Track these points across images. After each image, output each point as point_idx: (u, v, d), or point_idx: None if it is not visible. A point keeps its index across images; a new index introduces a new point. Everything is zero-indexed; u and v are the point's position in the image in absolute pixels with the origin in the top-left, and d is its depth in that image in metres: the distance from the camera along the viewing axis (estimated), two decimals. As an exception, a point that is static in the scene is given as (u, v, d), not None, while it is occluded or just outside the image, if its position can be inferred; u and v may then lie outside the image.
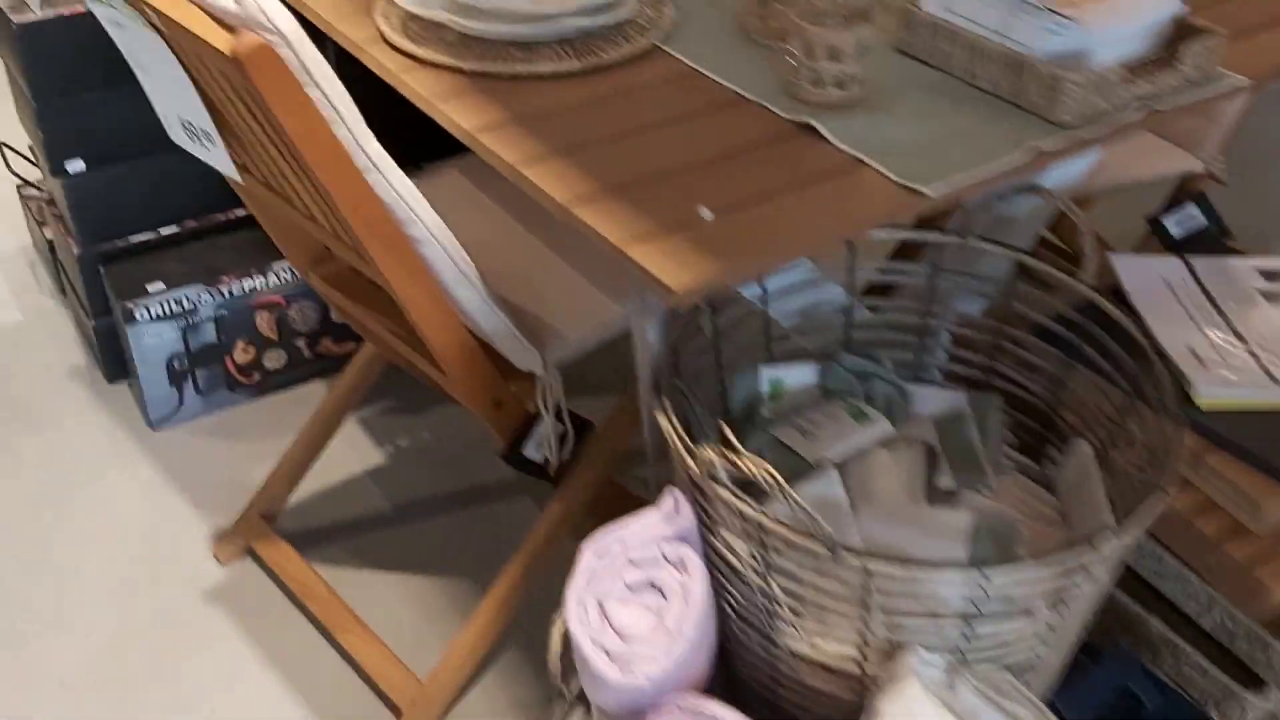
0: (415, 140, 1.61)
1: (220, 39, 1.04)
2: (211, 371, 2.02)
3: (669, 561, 0.99)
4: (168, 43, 1.23)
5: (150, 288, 1.93)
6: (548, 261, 1.52)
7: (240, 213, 2.08)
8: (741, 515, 0.95)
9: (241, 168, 1.37)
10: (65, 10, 1.82)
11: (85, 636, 1.70)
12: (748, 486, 1.00)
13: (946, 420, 1.25)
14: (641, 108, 1.24)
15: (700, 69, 1.31)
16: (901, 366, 1.36)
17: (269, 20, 1.03)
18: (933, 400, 1.29)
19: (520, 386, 1.44)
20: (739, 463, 0.90)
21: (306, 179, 1.22)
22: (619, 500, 1.75)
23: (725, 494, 0.97)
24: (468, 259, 1.29)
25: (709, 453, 0.94)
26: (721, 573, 1.03)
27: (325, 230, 1.34)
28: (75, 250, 1.99)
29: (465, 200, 1.64)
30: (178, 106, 1.35)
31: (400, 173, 1.19)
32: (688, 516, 1.01)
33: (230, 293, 1.97)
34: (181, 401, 2.02)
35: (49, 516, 1.87)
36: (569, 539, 1.49)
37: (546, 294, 1.47)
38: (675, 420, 1.02)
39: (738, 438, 1.08)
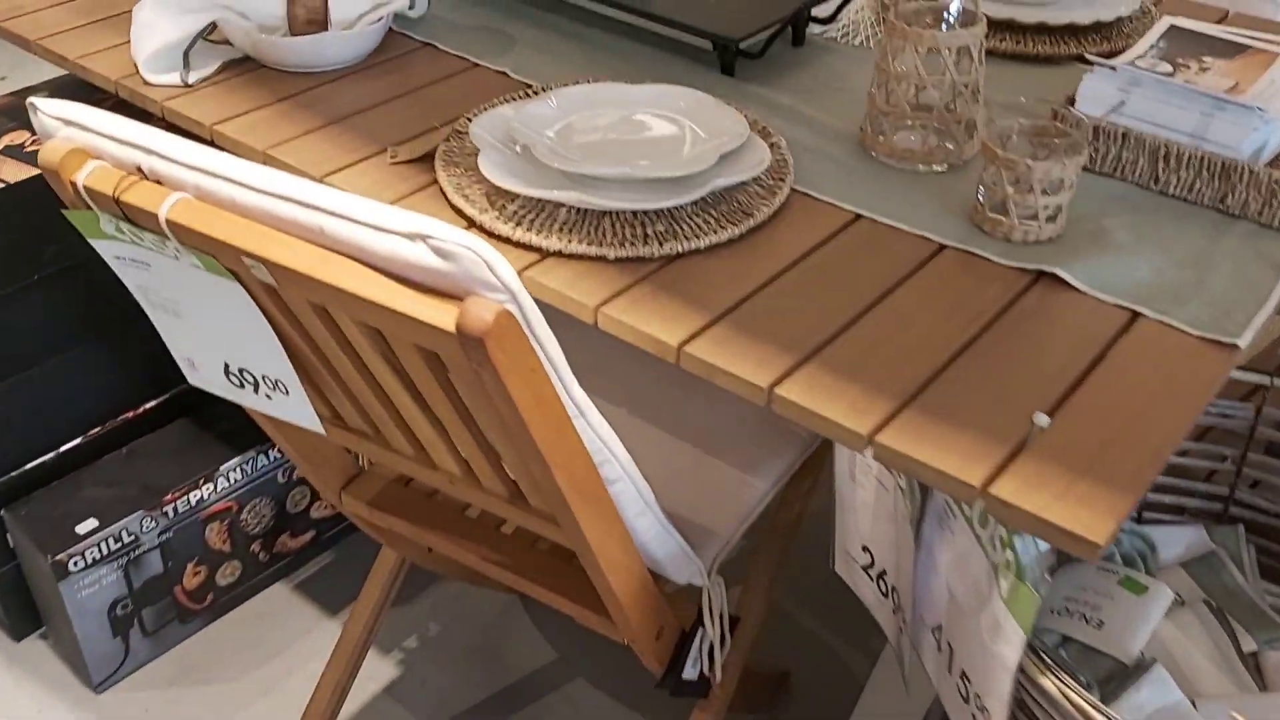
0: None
1: (433, 312, 0.77)
2: (159, 607, 1.66)
3: None
4: (246, 288, 0.94)
5: (80, 529, 1.55)
6: (654, 439, 1.30)
7: (152, 404, 1.72)
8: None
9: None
10: (-77, 209, 1.42)
11: None
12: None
13: (1199, 566, 1.13)
14: (839, 278, 1.04)
15: (861, 211, 1.12)
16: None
17: (498, 277, 0.77)
18: (1172, 542, 1.16)
19: (673, 603, 1.22)
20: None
21: (468, 433, 0.96)
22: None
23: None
24: (647, 484, 1.06)
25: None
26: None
27: (450, 477, 1.07)
28: (-43, 494, 1.58)
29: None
30: (226, 353, 1.04)
31: (596, 411, 0.95)
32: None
33: (175, 510, 1.62)
34: (128, 652, 1.65)
35: (-2, 839, 1.48)
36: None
37: (680, 485, 1.24)
38: (1078, 688, 0.84)
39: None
